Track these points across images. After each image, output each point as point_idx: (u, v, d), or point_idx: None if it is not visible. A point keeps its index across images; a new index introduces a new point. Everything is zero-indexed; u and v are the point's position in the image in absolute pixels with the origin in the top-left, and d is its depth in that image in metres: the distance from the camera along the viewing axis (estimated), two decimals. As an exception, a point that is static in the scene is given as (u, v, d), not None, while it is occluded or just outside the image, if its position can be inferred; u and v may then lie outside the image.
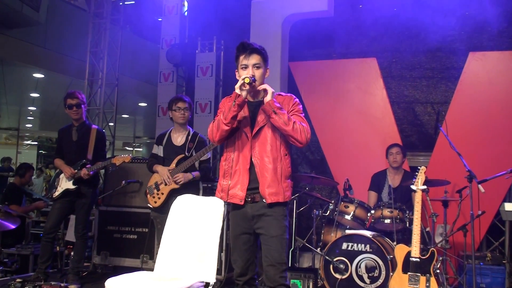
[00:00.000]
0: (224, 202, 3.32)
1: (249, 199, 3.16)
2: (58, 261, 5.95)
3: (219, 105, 3.35)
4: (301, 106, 3.33)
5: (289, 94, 3.36)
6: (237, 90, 3.08)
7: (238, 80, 3.13)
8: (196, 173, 4.82)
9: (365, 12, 6.81)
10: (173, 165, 4.78)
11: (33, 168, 7.52)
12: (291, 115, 3.18)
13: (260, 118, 3.21)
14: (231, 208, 3.28)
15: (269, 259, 3.10)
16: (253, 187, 3.16)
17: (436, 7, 6.59)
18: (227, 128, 3.13)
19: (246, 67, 3.17)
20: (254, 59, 3.17)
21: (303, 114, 3.30)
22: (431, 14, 6.58)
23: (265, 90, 3.13)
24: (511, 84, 6.09)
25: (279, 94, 3.30)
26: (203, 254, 3.31)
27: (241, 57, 3.20)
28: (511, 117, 5.99)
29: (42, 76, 10.69)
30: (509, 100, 6.05)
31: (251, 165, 3.17)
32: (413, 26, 6.72)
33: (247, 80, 3.02)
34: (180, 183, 4.70)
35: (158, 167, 4.81)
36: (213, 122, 3.21)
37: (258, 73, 3.17)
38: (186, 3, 8.60)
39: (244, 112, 3.22)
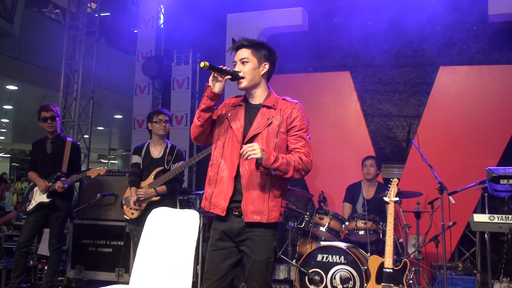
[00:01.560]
0: (206, 212, 3.16)
1: (236, 213, 2.88)
2: (31, 276, 5.85)
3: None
4: (306, 120, 2.96)
5: (293, 102, 3.01)
6: (210, 82, 2.87)
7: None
8: (161, 188, 4.78)
9: (339, 27, 6.92)
10: (151, 178, 4.79)
11: (4, 182, 7.40)
12: (292, 136, 2.90)
13: (257, 123, 2.91)
14: (214, 219, 3.00)
15: (253, 283, 2.87)
16: (239, 200, 2.88)
17: (408, 22, 6.73)
18: (198, 123, 2.95)
19: (235, 63, 2.97)
20: (241, 54, 2.95)
21: (309, 135, 2.96)
22: (403, 29, 6.73)
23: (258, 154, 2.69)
24: (480, 97, 6.24)
25: (284, 99, 3.02)
26: (178, 267, 3.31)
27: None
28: (481, 130, 6.12)
29: (16, 88, 10.58)
30: (478, 113, 6.19)
31: (238, 173, 2.88)
32: (386, 41, 6.85)
33: (201, 64, 2.74)
34: (141, 199, 4.71)
35: (133, 190, 4.81)
36: None
37: (245, 68, 2.92)
38: (162, 16, 8.63)
39: (240, 114, 2.97)
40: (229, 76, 2.86)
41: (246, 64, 2.93)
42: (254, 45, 2.96)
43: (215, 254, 2.93)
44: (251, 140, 2.86)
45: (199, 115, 2.94)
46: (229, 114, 2.99)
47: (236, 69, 2.93)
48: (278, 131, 2.89)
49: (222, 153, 2.94)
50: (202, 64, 2.73)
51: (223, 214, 2.88)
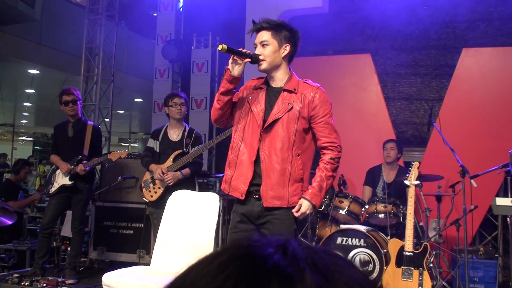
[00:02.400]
0: (225, 195, 3.20)
1: (256, 196, 2.88)
2: (55, 257, 5.97)
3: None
4: (329, 105, 2.96)
5: (315, 85, 2.98)
6: (229, 65, 2.86)
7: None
8: (186, 171, 4.77)
9: (360, 9, 6.85)
10: (170, 161, 4.80)
11: (28, 165, 7.53)
12: (317, 124, 2.90)
13: (277, 108, 2.89)
14: (235, 202, 3.01)
15: None
16: (258, 183, 2.89)
17: (430, 4, 6.63)
18: (217, 106, 2.94)
19: (256, 46, 2.92)
20: (261, 36, 2.90)
21: (333, 119, 2.98)
22: (425, 11, 6.63)
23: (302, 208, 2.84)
24: (504, 80, 6.14)
25: (306, 82, 2.99)
26: (198, 248, 3.35)
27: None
28: (503, 113, 6.03)
29: (38, 72, 10.69)
30: (502, 96, 6.09)
31: (258, 157, 2.89)
32: (408, 23, 6.75)
33: (219, 47, 2.73)
34: (170, 184, 4.66)
35: (153, 167, 4.80)
36: None
37: (266, 51, 2.87)
38: (181, -1, 8.62)
39: (260, 98, 2.94)
40: (248, 59, 2.84)
41: (267, 46, 2.88)
42: (275, 27, 2.91)
43: (236, 236, 2.94)
44: (271, 125, 2.86)
45: (218, 98, 2.93)
46: (250, 97, 2.98)
47: (257, 51, 2.90)
48: (299, 116, 2.88)
49: (242, 136, 2.93)
50: (220, 47, 2.72)
51: (243, 198, 2.89)
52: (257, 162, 2.88)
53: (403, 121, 6.92)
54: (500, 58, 6.27)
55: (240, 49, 2.82)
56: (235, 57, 2.83)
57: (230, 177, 2.94)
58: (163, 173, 4.65)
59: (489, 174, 4.75)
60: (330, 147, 2.95)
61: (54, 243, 5.88)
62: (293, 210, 2.83)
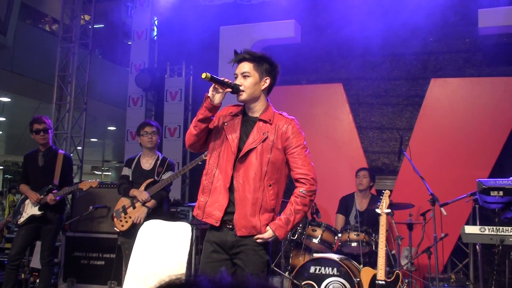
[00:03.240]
0: (198, 223, 3.16)
1: (230, 226, 2.87)
2: (22, 289, 5.83)
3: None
4: (302, 137, 2.96)
5: (290, 118, 2.99)
6: (209, 93, 2.85)
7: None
8: (151, 203, 4.75)
9: (331, 39, 6.98)
10: (142, 189, 4.77)
11: (1, 195, 7.35)
12: (291, 155, 2.90)
13: (252, 138, 2.90)
14: (208, 230, 2.98)
15: None
16: (232, 211, 2.87)
17: (400, 34, 6.80)
18: (194, 132, 2.93)
19: (236, 76, 2.93)
20: (242, 67, 2.91)
21: (307, 150, 2.96)
22: (395, 42, 6.80)
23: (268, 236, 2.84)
24: (471, 109, 6.29)
25: (281, 114, 3.00)
26: (170, 279, 3.30)
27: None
28: (471, 142, 6.16)
29: (9, 100, 10.57)
30: (469, 126, 6.23)
31: (232, 185, 2.88)
32: (378, 54, 6.91)
33: (203, 75, 2.74)
34: (143, 199, 4.70)
35: (135, 191, 4.78)
36: None
37: (246, 82, 2.88)
38: (155, 28, 8.67)
39: (236, 125, 2.96)
40: (229, 89, 2.86)
41: (247, 78, 2.90)
42: (257, 59, 2.94)
43: (210, 266, 2.90)
44: (247, 154, 2.87)
45: (195, 125, 2.91)
46: (226, 124, 2.99)
47: (237, 82, 2.90)
48: (273, 146, 2.89)
49: (217, 162, 2.93)
50: (204, 76, 2.74)
51: (217, 225, 2.87)
52: (231, 189, 2.88)
53: (375, 150, 7.01)
54: (468, 88, 6.43)
55: (222, 79, 2.84)
56: (216, 86, 2.84)
57: (204, 203, 2.92)
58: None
59: (458, 202, 4.83)
60: (302, 180, 2.93)
61: (22, 275, 5.74)
62: (256, 236, 2.83)
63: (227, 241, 2.88)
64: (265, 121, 2.93)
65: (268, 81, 2.96)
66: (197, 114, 2.91)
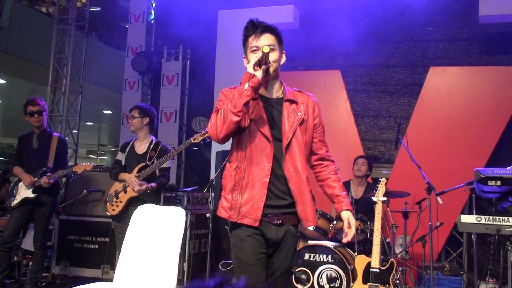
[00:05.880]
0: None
1: (277, 222, 2.58)
2: (15, 272, 5.80)
3: (220, 97, 2.67)
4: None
5: (310, 94, 2.81)
6: (250, 69, 2.47)
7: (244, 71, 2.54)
8: (153, 185, 4.71)
9: (330, 26, 6.90)
10: (134, 172, 4.74)
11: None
12: (319, 134, 2.76)
13: (288, 122, 2.61)
14: (243, 227, 2.59)
15: None
16: (272, 205, 2.58)
17: (399, 22, 6.75)
18: (237, 118, 2.47)
19: (257, 49, 2.55)
20: (267, 39, 2.57)
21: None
22: (394, 30, 6.74)
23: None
24: (470, 98, 6.25)
25: (299, 91, 2.79)
26: (163, 264, 3.28)
27: (250, 38, 2.60)
28: (469, 131, 6.14)
29: (4, 81, 10.49)
30: (467, 115, 6.20)
31: (272, 177, 2.56)
32: (377, 41, 6.86)
33: (266, 49, 2.43)
34: (135, 190, 4.62)
35: (125, 175, 4.74)
36: (216, 114, 2.55)
37: (272, 56, 2.55)
38: (153, 12, 8.58)
39: (259, 112, 2.59)
40: (265, 65, 2.54)
41: (273, 51, 2.58)
42: (277, 31, 2.65)
43: (259, 267, 2.58)
44: (289, 141, 2.60)
45: (239, 110, 2.46)
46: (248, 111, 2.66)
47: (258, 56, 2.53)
48: (307, 127, 2.69)
49: (245, 153, 2.60)
50: (266, 49, 2.45)
51: (256, 224, 2.54)
52: (270, 182, 2.56)
53: (372, 137, 6.98)
54: (466, 77, 6.39)
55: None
56: (262, 61, 2.50)
57: (238, 202, 2.58)
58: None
59: (454, 191, 4.81)
60: (330, 158, 2.84)
61: (15, 257, 5.71)
62: (345, 226, 2.66)
63: (270, 237, 2.59)
64: (291, 101, 2.68)
65: (284, 57, 2.71)
66: (237, 99, 2.47)
